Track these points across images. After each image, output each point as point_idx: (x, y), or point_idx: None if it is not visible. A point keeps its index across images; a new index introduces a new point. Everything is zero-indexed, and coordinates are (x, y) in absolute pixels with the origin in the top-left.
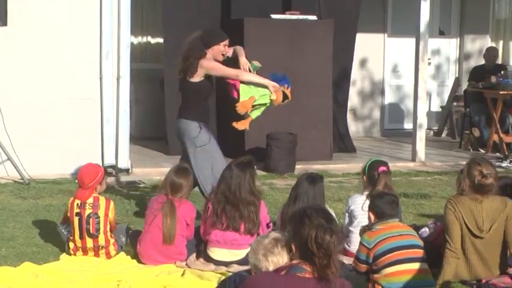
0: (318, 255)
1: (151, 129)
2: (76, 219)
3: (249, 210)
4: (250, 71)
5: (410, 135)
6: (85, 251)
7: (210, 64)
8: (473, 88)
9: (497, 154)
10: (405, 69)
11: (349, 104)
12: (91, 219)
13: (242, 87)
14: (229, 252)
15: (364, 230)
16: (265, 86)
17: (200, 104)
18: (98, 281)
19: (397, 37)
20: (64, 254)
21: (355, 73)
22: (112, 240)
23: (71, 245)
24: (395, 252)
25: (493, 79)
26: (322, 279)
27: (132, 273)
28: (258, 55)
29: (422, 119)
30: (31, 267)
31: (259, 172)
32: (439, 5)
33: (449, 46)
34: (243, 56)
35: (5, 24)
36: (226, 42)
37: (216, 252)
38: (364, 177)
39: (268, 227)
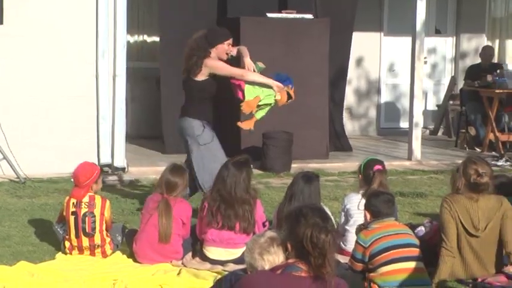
0: (313, 255)
1: (148, 128)
2: (72, 218)
3: (244, 209)
4: (254, 71)
5: (407, 134)
6: (81, 250)
7: (215, 63)
8: (469, 87)
9: (493, 153)
10: (401, 68)
11: (345, 103)
12: (87, 218)
13: (247, 88)
14: (225, 251)
15: (360, 229)
16: (269, 86)
17: (204, 102)
18: (94, 280)
19: (394, 36)
20: (60, 253)
21: (351, 72)
22: (108, 239)
23: (67, 244)
24: (391, 251)
25: (489, 78)
26: (317, 279)
27: (128, 272)
28: (254, 54)
29: (419, 117)
30: (27, 266)
31: (256, 171)
32: (435, 4)
33: (445, 45)
34: (248, 57)
35: (0, 22)
36: (230, 41)
37: (212, 251)
38: (360, 176)
39: (264, 226)
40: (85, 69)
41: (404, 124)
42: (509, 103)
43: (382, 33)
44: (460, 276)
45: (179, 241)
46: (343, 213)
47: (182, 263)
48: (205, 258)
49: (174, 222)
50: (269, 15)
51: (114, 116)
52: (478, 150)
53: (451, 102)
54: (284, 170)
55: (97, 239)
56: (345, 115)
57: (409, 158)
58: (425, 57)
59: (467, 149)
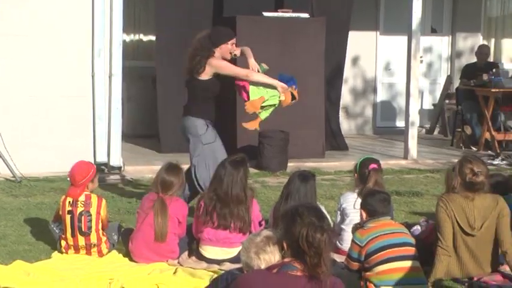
0: (309, 254)
1: (144, 127)
2: (68, 217)
3: (240, 208)
4: (258, 72)
5: (403, 133)
6: (77, 249)
7: (220, 63)
8: (465, 86)
9: (489, 152)
10: (397, 67)
11: (341, 102)
12: (83, 217)
13: (252, 89)
14: (221, 250)
15: (356, 228)
16: (274, 87)
17: (207, 102)
18: (90, 279)
19: (389, 35)
20: (56, 252)
21: (347, 71)
22: (104, 238)
23: (63, 243)
24: (387, 250)
25: (485, 77)
26: (313, 278)
27: (124, 272)
28: None
29: (415, 116)
30: (23, 265)
31: (252, 170)
32: (431, 3)
33: (441, 44)
34: (252, 58)
35: None
36: (234, 40)
37: (208, 251)
38: (356, 174)
39: (260, 225)
40: (81, 69)
41: (400, 123)
42: (505, 102)
43: (378, 32)
44: (456, 275)
45: (175, 240)
46: (339, 212)
47: (178, 262)
48: (201, 258)
49: (170, 221)
50: (265, 14)
51: (110, 115)
52: (474, 149)
53: (447, 101)
54: (280, 169)
55: (93, 238)
56: (341, 114)
57: (405, 157)
58: (421, 56)
59: (463, 148)
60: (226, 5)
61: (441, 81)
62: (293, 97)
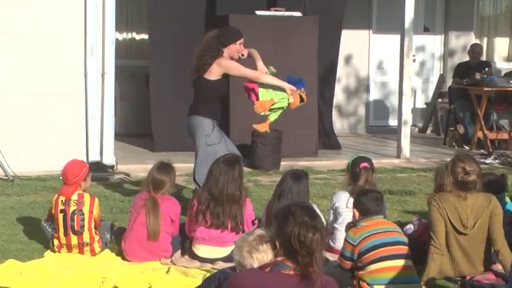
0: (301, 253)
1: (136, 126)
2: (60, 216)
3: (233, 207)
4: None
5: (395, 132)
6: (69, 248)
7: (230, 64)
8: (458, 85)
9: (482, 151)
10: (390, 66)
11: (334, 101)
12: (75, 216)
13: (261, 91)
14: (214, 249)
15: (349, 227)
16: (283, 89)
17: (214, 102)
18: (83, 278)
19: (382, 34)
20: (48, 251)
21: (340, 70)
22: (97, 237)
23: (56, 242)
24: (380, 249)
25: (477, 76)
26: (305, 277)
27: (117, 271)
28: None
29: (407, 115)
30: (15, 264)
31: (245, 169)
32: (423, 2)
33: (434, 43)
34: (260, 61)
35: None
36: (242, 40)
37: (201, 249)
38: (348, 173)
39: (253, 224)
40: (74, 67)
41: (393, 122)
42: (498, 101)
43: (371, 31)
44: (449, 274)
45: (168, 239)
46: (331, 211)
47: (171, 261)
48: (194, 256)
49: (162, 220)
50: (258, 12)
51: (102, 113)
52: (467, 148)
53: (439, 100)
54: (273, 168)
55: (86, 237)
56: (334, 113)
57: (398, 156)
58: (413, 55)
59: (456, 147)
60: (219, 4)
61: (434, 80)
62: (301, 99)
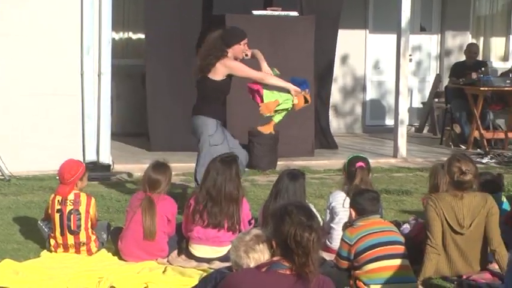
0: (297, 253)
1: (133, 125)
2: (57, 216)
3: (230, 206)
4: None
5: (392, 132)
6: (66, 248)
7: (234, 64)
8: (454, 84)
9: (478, 150)
10: (386, 66)
11: (331, 100)
12: (72, 215)
13: (265, 93)
14: (211, 249)
15: (346, 227)
16: (287, 91)
17: (217, 102)
18: (79, 278)
19: (379, 33)
20: (45, 250)
21: (337, 69)
22: (93, 237)
23: (52, 241)
24: (377, 249)
25: (474, 75)
26: (301, 276)
27: (114, 270)
28: None
29: (404, 115)
30: (11, 264)
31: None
32: (420, 1)
33: (430, 42)
34: (265, 62)
35: None
36: (246, 40)
37: (197, 249)
38: (344, 173)
39: (250, 223)
40: (70, 67)
41: (389, 121)
42: (494, 101)
43: (368, 31)
44: (445, 273)
45: (164, 238)
46: (328, 211)
47: (168, 261)
48: (191, 256)
49: (158, 219)
50: (254, 12)
51: (99, 113)
52: (463, 147)
53: (436, 99)
54: (270, 167)
55: (82, 237)
56: (331, 112)
57: (395, 156)
58: (410, 55)
59: (452, 147)
60: (216, 3)
61: (430, 79)
62: (306, 100)
